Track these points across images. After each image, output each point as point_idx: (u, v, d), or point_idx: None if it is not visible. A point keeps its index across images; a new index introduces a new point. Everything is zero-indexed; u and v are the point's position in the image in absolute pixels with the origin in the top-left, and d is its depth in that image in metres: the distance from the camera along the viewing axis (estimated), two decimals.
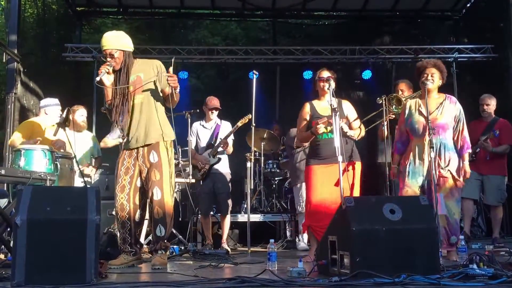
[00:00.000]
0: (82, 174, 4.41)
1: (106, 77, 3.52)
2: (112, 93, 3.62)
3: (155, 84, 3.61)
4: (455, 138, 3.98)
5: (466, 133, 3.97)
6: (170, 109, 3.72)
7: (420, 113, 3.97)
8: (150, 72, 3.62)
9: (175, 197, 6.03)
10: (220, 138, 5.14)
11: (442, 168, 3.85)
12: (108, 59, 3.56)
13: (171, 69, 3.53)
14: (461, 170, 3.92)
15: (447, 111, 3.93)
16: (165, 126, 3.67)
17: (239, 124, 5.07)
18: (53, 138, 4.45)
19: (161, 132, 3.62)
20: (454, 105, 3.98)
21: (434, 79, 3.93)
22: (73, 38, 8.38)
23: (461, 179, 3.92)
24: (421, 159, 3.91)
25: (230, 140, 5.22)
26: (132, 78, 3.61)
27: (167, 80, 3.46)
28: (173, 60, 3.61)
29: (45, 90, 6.74)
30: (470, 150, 3.97)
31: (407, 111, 4.07)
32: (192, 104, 5.91)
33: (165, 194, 3.54)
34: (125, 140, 3.70)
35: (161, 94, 3.66)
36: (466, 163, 3.95)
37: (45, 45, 7.71)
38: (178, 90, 3.53)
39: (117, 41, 3.57)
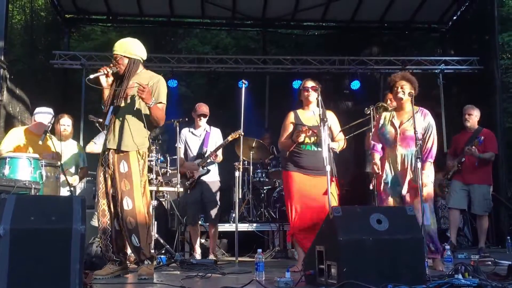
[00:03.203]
0: (68, 183, 4.37)
1: (104, 78, 3.58)
2: (108, 94, 3.67)
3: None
4: (423, 149, 4.01)
5: (431, 145, 3.97)
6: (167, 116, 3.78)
7: (392, 124, 4.06)
8: (143, 82, 3.61)
9: (163, 206, 6.00)
10: (210, 151, 5.12)
11: (414, 180, 3.88)
12: (114, 62, 3.62)
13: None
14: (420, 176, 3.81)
15: (417, 124, 3.98)
16: (139, 136, 3.59)
17: (230, 138, 5.05)
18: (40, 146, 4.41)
19: (134, 141, 3.56)
20: (424, 118, 4.04)
21: (404, 91, 3.98)
22: (61, 45, 8.33)
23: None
24: (395, 169, 3.99)
25: (220, 148, 5.23)
26: (130, 83, 3.63)
27: (138, 90, 3.44)
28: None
29: (32, 97, 6.67)
30: (431, 160, 3.96)
31: (381, 121, 4.16)
32: (182, 113, 5.89)
33: (137, 203, 3.49)
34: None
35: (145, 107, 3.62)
36: (425, 172, 3.86)
37: (32, 52, 7.63)
38: (150, 104, 3.50)
39: (125, 47, 3.62)
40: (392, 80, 4.09)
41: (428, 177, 3.92)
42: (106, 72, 3.55)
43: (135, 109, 3.61)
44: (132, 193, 3.50)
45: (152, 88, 3.60)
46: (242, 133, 4.53)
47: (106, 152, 3.62)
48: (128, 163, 3.53)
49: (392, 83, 4.07)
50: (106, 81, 3.60)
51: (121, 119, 3.60)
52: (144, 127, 3.62)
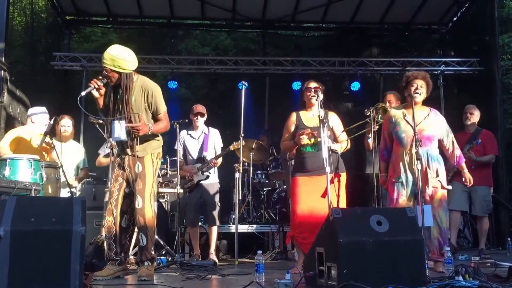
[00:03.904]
0: (69, 184, 4.37)
1: (95, 91, 3.55)
2: (106, 106, 3.67)
3: (145, 109, 3.66)
4: (448, 150, 4.05)
5: (459, 149, 4.09)
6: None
7: (407, 122, 3.99)
8: (140, 100, 3.63)
9: (163, 207, 6.00)
10: (210, 157, 5.12)
11: (433, 177, 3.89)
12: (104, 73, 3.56)
13: (142, 117, 3.59)
14: (466, 179, 4.18)
15: (434, 123, 3.99)
16: (153, 141, 3.70)
17: (231, 148, 5.09)
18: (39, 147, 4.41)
19: (148, 146, 3.67)
20: (440, 118, 4.06)
21: (422, 90, 3.97)
22: (61, 46, 8.34)
23: (468, 184, 4.24)
24: (411, 169, 3.92)
25: (219, 150, 5.23)
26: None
27: (131, 129, 3.53)
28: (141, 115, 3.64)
29: (32, 98, 6.67)
30: (463, 163, 4.09)
31: (393, 120, 4.09)
32: (182, 114, 5.90)
33: (146, 203, 3.58)
34: (115, 149, 3.79)
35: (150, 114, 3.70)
36: (466, 171, 4.17)
37: (33, 53, 7.65)
38: (150, 131, 3.59)
39: (114, 61, 3.51)
40: (412, 76, 4.03)
41: (440, 178, 3.95)
42: (96, 86, 3.52)
43: (144, 119, 3.64)
44: (144, 192, 3.57)
45: (148, 102, 3.62)
46: (242, 134, 4.54)
47: (122, 156, 3.67)
48: (143, 164, 3.62)
49: (411, 79, 4.00)
50: (98, 93, 3.57)
51: (129, 132, 3.60)
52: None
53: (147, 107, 3.64)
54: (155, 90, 3.66)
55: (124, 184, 3.66)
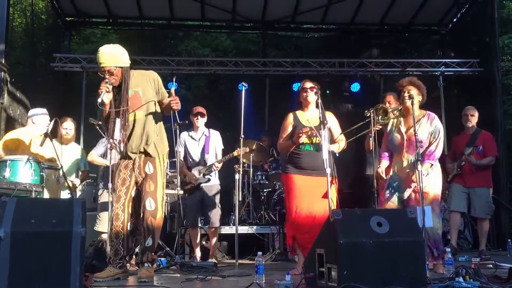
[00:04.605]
0: (69, 186, 4.36)
1: (105, 96, 3.51)
2: (110, 109, 3.63)
3: (154, 101, 3.68)
4: (425, 151, 4.00)
5: (434, 148, 3.95)
6: (167, 119, 3.87)
7: (399, 130, 4.08)
8: (148, 88, 3.64)
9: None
10: (212, 161, 5.12)
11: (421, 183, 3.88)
12: (107, 76, 3.53)
13: (173, 90, 3.64)
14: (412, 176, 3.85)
15: (424, 129, 3.98)
16: (162, 139, 3.72)
17: (235, 153, 5.07)
18: (39, 150, 4.40)
19: (159, 146, 3.67)
20: (430, 123, 4.02)
21: (412, 95, 3.95)
22: (61, 48, 8.35)
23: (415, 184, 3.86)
24: (400, 174, 4.00)
25: (220, 152, 5.24)
26: (130, 93, 3.61)
27: (171, 104, 3.58)
28: (173, 88, 3.69)
29: (33, 100, 6.67)
30: (432, 162, 3.94)
31: (389, 128, 4.17)
32: (182, 115, 5.87)
33: (158, 205, 3.57)
34: (122, 150, 3.69)
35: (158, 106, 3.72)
36: (417, 170, 3.75)
37: (33, 54, 7.65)
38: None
39: (115, 58, 3.53)
40: (400, 85, 4.09)
41: (430, 179, 3.91)
42: (108, 89, 3.50)
43: (153, 113, 3.64)
44: (156, 194, 3.57)
45: (156, 88, 3.67)
46: (243, 136, 4.54)
47: (132, 157, 3.63)
48: (154, 165, 3.62)
49: (400, 88, 4.07)
50: (108, 98, 3.54)
51: (140, 126, 3.60)
52: (163, 129, 3.73)
53: (155, 95, 3.64)
54: (156, 75, 3.72)
55: (131, 187, 3.61)
